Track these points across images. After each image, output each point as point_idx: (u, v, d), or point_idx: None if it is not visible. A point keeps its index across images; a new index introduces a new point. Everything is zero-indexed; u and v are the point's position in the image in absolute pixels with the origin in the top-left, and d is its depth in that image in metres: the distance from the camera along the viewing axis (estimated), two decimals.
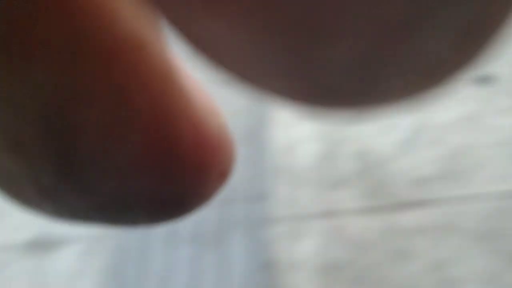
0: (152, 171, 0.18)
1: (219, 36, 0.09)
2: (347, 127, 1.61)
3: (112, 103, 0.17)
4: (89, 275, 1.50)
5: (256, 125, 1.75)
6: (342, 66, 0.09)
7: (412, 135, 1.58)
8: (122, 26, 0.16)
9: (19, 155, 0.17)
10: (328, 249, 1.42)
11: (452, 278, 1.32)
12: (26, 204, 0.19)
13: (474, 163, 1.50)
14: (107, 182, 0.18)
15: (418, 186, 1.48)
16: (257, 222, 1.52)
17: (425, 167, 1.51)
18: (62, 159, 0.17)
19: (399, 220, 1.43)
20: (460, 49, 0.09)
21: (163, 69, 0.18)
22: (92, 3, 0.16)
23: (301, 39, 0.08)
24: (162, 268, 1.48)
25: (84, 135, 0.17)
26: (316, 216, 1.48)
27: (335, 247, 1.42)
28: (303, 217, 1.48)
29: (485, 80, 1.64)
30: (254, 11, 0.08)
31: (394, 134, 1.60)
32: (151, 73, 0.17)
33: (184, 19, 0.09)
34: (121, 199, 0.19)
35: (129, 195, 0.19)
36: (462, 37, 0.09)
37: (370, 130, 1.61)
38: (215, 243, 1.51)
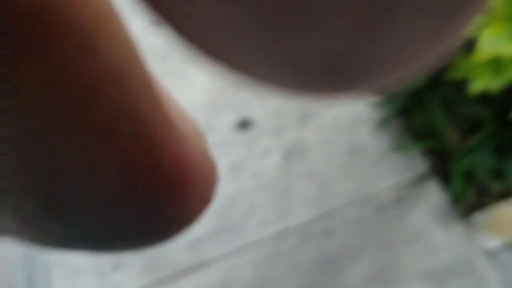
0: (135, 201, 0.18)
1: (210, 25, 0.09)
2: None
3: (94, 136, 0.16)
4: None
5: None
6: (328, 47, 0.09)
7: None
8: (104, 57, 0.16)
9: (3, 196, 0.16)
10: None
11: None
12: (5, 233, 0.18)
13: (242, 212, 1.53)
14: (90, 212, 0.17)
15: (193, 249, 1.48)
16: None
17: (198, 227, 1.51)
18: (44, 192, 0.16)
19: None
20: (433, 33, 0.09)
21: (145, 99, 0.17)
22: (73, 35, 0.15)
23: (287, 23, 0.08)
24: None
25: (67, 168, 0.16)
26: None
27: None
28: None
29: (244, 125, 1.69)
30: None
31: None
32: (132, 104, 0.17)
33: (176, 9, 0.09)
34: (104, 228, 0.18)
35: (112, 224, 0.18)
36: (434, 21, 0.09)
37: None
38: None
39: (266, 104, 1.72)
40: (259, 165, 1.62)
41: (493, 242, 1.37)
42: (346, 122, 1.65)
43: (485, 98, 1.49)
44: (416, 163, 1.52)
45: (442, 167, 1.50)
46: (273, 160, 1.62)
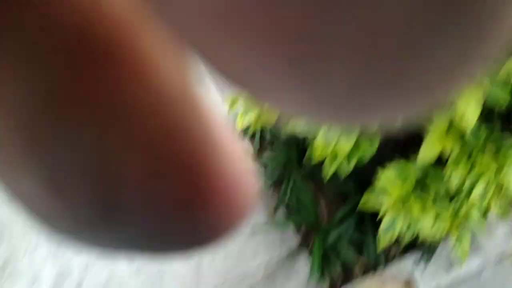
0: (181, 213, 0.20)
1: (240, 61, 0.10)
2: None
3: (152, 155, 0.18)
4: None
5: None
6: (346, 81, 0.10)
7: None
8: (162, 81, 0.17)
9: (60, 194, 0.18)
10: None
11: None
12: (62, 234, 0.20)
13: None
14: (142, 219, 0.19)
15: None
16: None
17: None
18: (100, 198, 0.18)
19: None
20: (461, 64, 0.10)
21: (200, 122, 0.19)
22: (132, 59, 0.16)
23: (311, 57, 0.09)
24: None
25: (124, 180, 0.18)
26: None
27: None
28: None
29: None
30: (270, 36, 0.09)
31: None
32: (189, 127, 0.18)
33: (207, 44, 0.10)
34: (155, 233, 0.20)
35: (162, 230, 0.20)
36: (462, 53, 0.09)
37: None
38: None
39: None
40: None
41: None
42: None
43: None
44: (288, 238, 1.52)
45: (311, 242, 1.51)
46: None
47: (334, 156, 1.21)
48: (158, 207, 0.20)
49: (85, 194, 0.19)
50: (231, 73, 0.11)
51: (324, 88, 0.10)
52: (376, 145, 1.29)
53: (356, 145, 1.23)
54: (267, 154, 1.63)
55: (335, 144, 1.18)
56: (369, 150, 1.30)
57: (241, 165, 0.22)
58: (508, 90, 1.07)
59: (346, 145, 1.18)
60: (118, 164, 0.18)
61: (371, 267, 1.44)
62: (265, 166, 1.63)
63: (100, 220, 0.20)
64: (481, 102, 1.07)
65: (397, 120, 0.12)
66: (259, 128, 1.43)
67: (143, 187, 0.19)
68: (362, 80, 0.10)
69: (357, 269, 1.45)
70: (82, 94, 0.17)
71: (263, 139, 1.63)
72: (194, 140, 0.19)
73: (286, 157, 1.57)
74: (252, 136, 1.65)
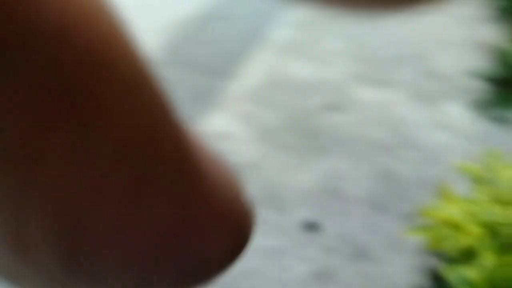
0: (163, 262, 0.17)
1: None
2: None
3: (123, 202, 0.16)
4: None
5: None
6: None
7: None
8: (135, 120, 0.15)
9: (27, 256, 0.16)
10: None
11: None
12: None
13: None
14: (116, 273, 0.17)
15: None
16: None
17: None
18: (70, 256, 0.16)
19: None
20: None
21: (177, 154, 0.17)
22: (104, 102, 0.15)
23: None
24: None
25: (93, 233, 0.16)
26: None
27: None
28: None
29: None
30: None
31: None
32: (166, 161, 0.16)
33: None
34: (139, 281, 0.18)
35: (139, 283, 0.18)
36: None
37: None
38: None
39: None
40: None
41: None
42: None
43: None
44: None
45: None
46: None
47: None
48: (135, 250, 0.17)
49: (51, 250, 0.16)
50: None
51: None
52: None
53: None
54: None
55: None
56: None
57: (225, 194, 0.20)
58: None
59: None
60: (80, 210, 0.16)
61: None
62: None
63: (71, 279, 0.17)
64: None
65: None
66: None
67: (113, 232, 0.17)
68: None
69: None
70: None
71: None
72: (177, 176, 0.17)
73: None
74: None
